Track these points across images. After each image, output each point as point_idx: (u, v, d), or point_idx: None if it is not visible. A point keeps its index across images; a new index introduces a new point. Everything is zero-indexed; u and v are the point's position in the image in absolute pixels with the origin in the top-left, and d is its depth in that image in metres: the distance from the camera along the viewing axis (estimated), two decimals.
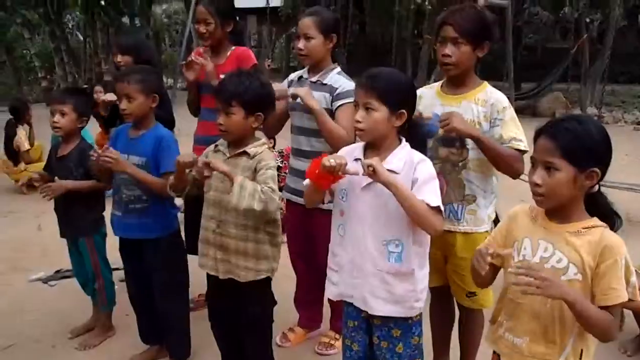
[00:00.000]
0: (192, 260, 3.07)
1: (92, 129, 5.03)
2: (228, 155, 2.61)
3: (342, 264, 2.33)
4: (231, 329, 2.80)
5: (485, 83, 2.64)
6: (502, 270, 2.03)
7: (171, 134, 3.07)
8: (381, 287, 2.22)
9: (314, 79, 3.12)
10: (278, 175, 2.65)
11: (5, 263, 4.85)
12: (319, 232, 2.95)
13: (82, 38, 22.47)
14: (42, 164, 7.00)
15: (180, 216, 3.25)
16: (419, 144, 2.29)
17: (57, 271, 4.56)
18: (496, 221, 2.71)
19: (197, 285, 3.42)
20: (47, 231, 5.21)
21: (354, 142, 2.83)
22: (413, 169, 2.17)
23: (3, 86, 19.20)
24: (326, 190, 2.32)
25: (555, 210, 1.85)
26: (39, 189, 3.32)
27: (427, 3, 13.88)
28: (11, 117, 7.42)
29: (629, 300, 1.74)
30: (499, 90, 2.65)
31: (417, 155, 2.23)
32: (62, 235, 3.48)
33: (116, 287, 3.61)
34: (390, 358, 2.31)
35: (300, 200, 3.10)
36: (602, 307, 1.74)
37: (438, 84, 2.75)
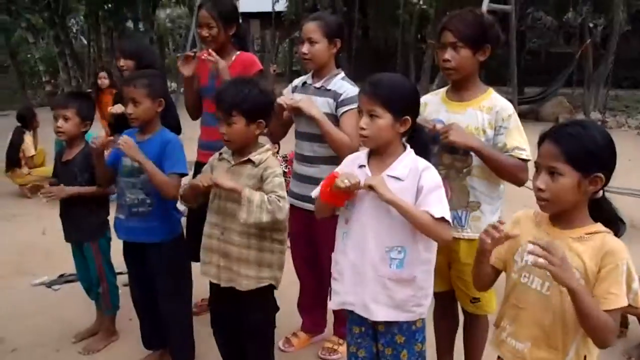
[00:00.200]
0: (194, 264, 3.07)
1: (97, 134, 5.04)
2: (233, 163, 2.61)
3: (343, 271, 2.32)
4: (233, 335, 2.80)
5: (490, 89, 2.64)
6: (503, 274, 2.03)
7: (177, 138, 3.08)
8: (382, 293, 2.22)
9: (318, 84, 3.13)
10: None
11: (9, 267, 4.85)
12: (323, 237, 2.95)
13: (86, 42, 22.57)
14: (45, 168, 7.11)
15: (182, 221, 3.24)
16: (422, 150, 2.29)
17: (61, 275, 4.57)
18: None
19: (200, 289, 3.42)
20: (51, 235, 5.21)
21: (357, 148, 2.84)
22: (418, 177, 2.17)
23: (7, 90, 19.28)
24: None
25: (559, 215, 1.85)
26: (40, 192, 3.33)
27: (422, 4, 13.88)
28: (19, 124, 7.51)
29: (629, 306, 1.73)
30: (503, 95, 2.65)
31: (422, 162, 2.22)
32: (67, 239, 3.48)
33: (120, 291, 3.61)
34: None
35: (304, 205, 3.10)
36: None
37: (443, 90, 2.75)
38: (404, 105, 2.20)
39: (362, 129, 2.19)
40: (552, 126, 1.88)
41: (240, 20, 3.79)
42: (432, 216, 2.10)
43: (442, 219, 2.12)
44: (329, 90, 3.07)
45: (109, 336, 3.58)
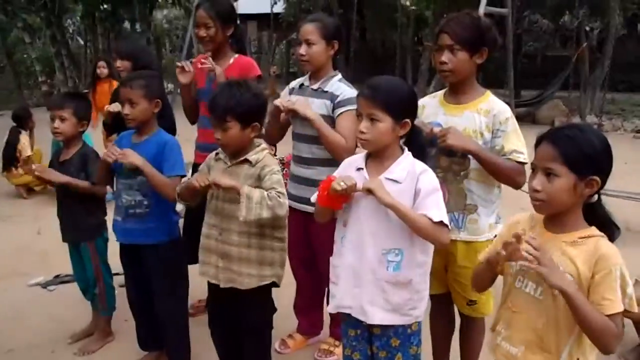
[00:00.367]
0: (191, 266, 3.07)
1: (94, 134, 5.04)
2: (229, 163, 2.61)
3: (340, 274, 2.32)
4: (231, 335, 2.80)
5: (488, 92, 2.64)
6: (500, 277, 2.04)
7: (174, 139, 3.08)
8: (379, 296, 2.22)
9: (315, 86, 3.12)
10: None
11: (4, 267, 4.83)
12: (320, 239, 2.95)
13: (82, 42, 22.51)
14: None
15: (180, 222, 3.24)
16: (419, 153, 2.29)
17: (57, 276, 4.56)
18: None
19: (197, 290, 3.41)
20: (47, 236, 5.21)
21: (353, 150, 2.84)
22: (416, 179, 2.17)
23: (3, 90, 19.22)
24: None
25: (553, 219, 1.85)
26: (25, 166, 3.31)
27: (415, 8, 13.92)
28: (14, 124, 7.51)
29: (625, 311, 1.72)
30: (500, 98, 2.66)
31: (420, 165, 2.23)
32: (65, 239, 3.48)
33: (116, 292, 3.60)
34: None
35: (301, 207, 3.10)
36: None
37: (441, 93, 2.75)
38: (403, 108, 2.20)
39: (363, 132, 2.19)
40: (550, 128, 1.89)
41: (238, 22, 3.78)
42: (430, 220, 2.11)
43: (441, 223, 2.12)
44: (326, 92, 3.07)
45: (104, 337, 3.57)
